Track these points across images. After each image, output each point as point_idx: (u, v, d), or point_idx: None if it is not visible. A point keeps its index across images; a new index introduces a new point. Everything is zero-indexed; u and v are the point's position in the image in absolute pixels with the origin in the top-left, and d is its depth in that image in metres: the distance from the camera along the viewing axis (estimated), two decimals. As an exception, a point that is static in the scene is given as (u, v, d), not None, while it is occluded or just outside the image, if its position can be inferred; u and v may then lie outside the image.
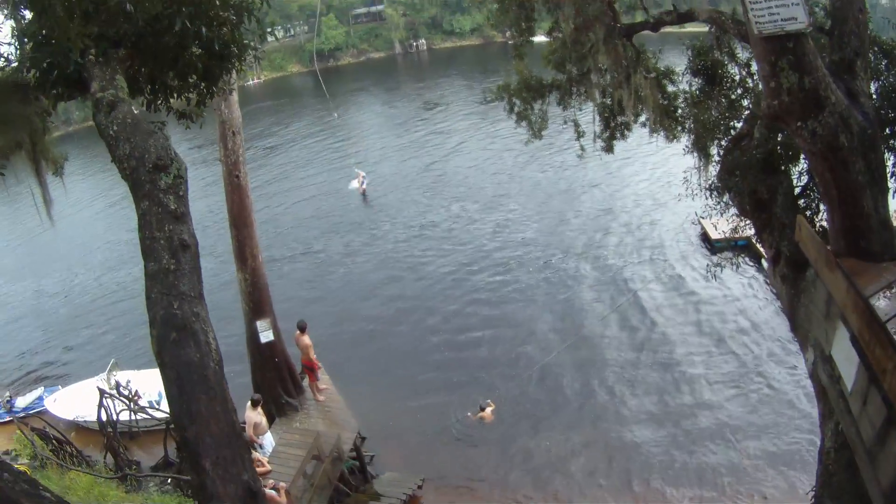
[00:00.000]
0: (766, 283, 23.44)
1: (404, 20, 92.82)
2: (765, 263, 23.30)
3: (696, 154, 11.46)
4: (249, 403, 14.22)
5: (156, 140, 5.33)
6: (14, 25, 7.06)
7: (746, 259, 24.44)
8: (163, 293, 4.34)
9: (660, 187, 32.28)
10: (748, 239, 24.02)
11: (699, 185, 10.99)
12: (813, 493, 7.53)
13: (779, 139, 8.36)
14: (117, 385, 20.19)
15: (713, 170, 10.87)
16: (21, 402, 22.79)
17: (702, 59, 10.82)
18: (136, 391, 20.27)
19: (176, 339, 4.15)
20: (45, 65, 7.14)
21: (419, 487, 16.28)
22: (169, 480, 17.70)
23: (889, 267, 4.96)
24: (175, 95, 8.48)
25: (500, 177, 37.58)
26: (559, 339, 21.86)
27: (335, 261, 29.96)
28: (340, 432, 15.33)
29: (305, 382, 17.68)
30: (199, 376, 4.08)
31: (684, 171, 11.36)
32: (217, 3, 7.61)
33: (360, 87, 69.48)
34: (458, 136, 45.89)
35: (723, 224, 24.45)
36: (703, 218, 24.94)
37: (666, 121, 12.00)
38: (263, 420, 14.40)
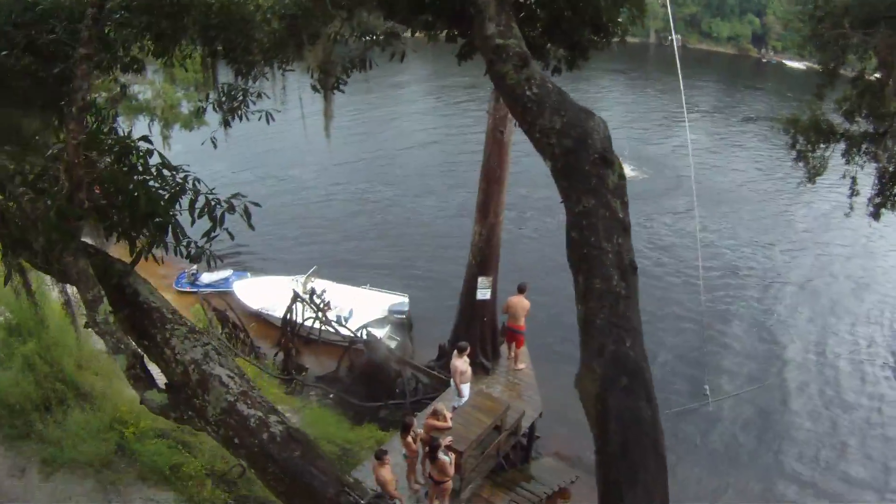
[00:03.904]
0: None
1: (663, 11, 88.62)
2: None
3: None
4: (456, 351, 14.11)
5: (597, 124, 4.73)
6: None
7: None
8: (612, 323, 3.81)
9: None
10: None
11: None
12: None
13: None
14: (312, 291, 20.53)
15: None
16: (206, 278, 23.42)
17: None
18: (328, 302, 20.50)
19: (627, 386, 3.63)
20: None
21: (572, 483, 15.87)
22: (332, 395, 18.12)
23: None
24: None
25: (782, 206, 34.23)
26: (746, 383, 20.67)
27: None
28: (525, 409, 15.04)
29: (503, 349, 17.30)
30: (650, 440, 3.54)
31: None
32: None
33: (617, 69, 64.91)
34: (723, 149, 41.58)
35: None
36: None
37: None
38: (469, 369, 14.21)
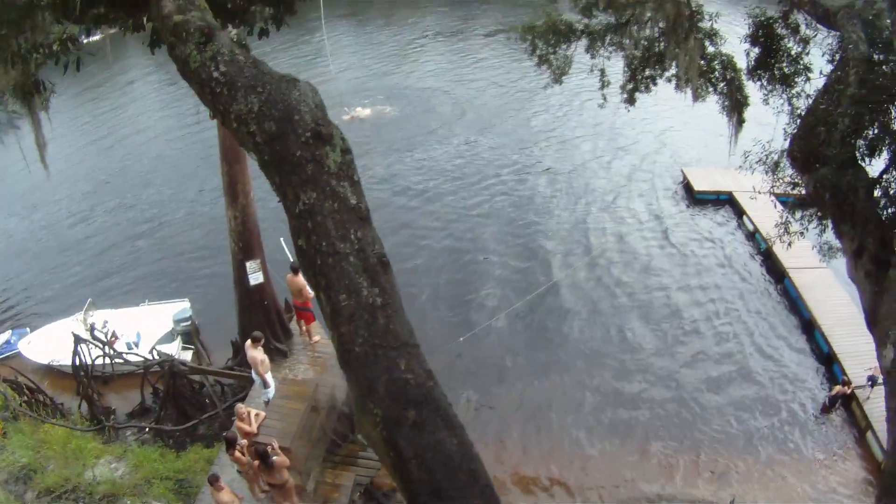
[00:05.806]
0: (746, 238, 23.35)
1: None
2: (747, 222, 23.50)
3: (730, 119, 12.07)
4: (249, 342, 13.14)
5: (303, 94, 3.78)
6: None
7: (728, 212, 24.83)
8: (376, 345, 3.00)
9: (661, 140, 30.53)
10: (730, 193, 24.67)
11: (762, 159, 10.82)
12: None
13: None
14: (92, 327, 18.91)
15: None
16: None
17: (763, 30, 10.96)
18: (114, 332, 19.28)
19: (417, 420, 2.87)
20: None
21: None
22: (147, 430, 16.99)
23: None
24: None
25: (507, 112, 34.49)
26: (536, 282, 21.54)
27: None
28: (334, 380, 14.49)
29: (293, 326, 16.64)
30: (465, 475, 2.86)
31: (756, 141, 10.90)
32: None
33: (343, 14, 59.50)
34: (456, 67, 40.83)
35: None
36: (686, 168, 25.51)
37: (701, 83, 12.06)
38: (266, 357, 13.35)
